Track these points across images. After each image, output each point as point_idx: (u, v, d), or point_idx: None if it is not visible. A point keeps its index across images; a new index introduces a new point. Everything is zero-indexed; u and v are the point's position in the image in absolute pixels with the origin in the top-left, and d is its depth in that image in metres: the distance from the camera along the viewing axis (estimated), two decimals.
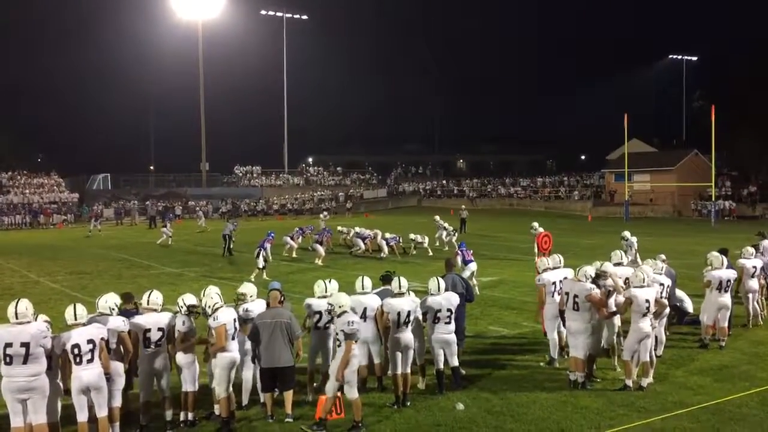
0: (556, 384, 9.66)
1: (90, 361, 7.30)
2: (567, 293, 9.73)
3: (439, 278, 9.51)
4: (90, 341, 7.32)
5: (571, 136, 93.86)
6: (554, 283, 10.60)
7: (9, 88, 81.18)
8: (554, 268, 11.02)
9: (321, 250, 24.36)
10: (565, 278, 10.73)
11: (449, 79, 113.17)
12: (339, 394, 8.49)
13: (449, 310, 9.26)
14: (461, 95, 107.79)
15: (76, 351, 7.27)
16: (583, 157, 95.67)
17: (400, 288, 9.15)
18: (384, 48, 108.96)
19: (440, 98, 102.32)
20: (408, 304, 9.01)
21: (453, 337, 9.36)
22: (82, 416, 7.35)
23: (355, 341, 7.99)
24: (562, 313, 10.16)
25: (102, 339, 7.43)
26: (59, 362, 7.50)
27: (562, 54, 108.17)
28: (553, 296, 10.57)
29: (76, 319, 7.46)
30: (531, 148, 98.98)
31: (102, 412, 7.39)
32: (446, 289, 9.54)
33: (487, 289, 17.57)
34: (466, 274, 16.64)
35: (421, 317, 9.45)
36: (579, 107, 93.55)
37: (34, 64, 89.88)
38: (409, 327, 8.99)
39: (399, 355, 8.90)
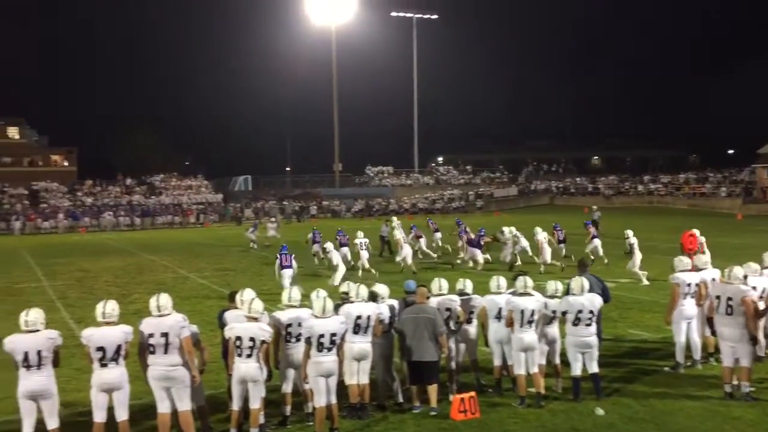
0: (703, 392, 9.11)
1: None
2: (718, 297, 9.06)
3: (583, 278, 9.24)
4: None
5: (716, 129, 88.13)
6: (689, 284, 10.03)
7: (165, 99, 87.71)
8: (699, 269, 10.45)
9: (479, 256, 21.77)
10: (713, 280, 10.14)
11: (582, 73, 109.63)
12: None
13: (591, 312, 8.94)
14: (595, 90, 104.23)
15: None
16: (730, 152, 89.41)
17: (526, 287, 8.98)
18: (514, 44, 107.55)
19: (573, 93, 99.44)
20: (532, 303, 8.82)
21: (594, 340, 9.00)
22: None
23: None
24: (710, 321, 9.50)
25: (126, 343, 7.42)
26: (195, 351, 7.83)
27: (709, 43, 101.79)
28: (685, 298, 10.01)
29: (104, 318, 7.42)
30: (669, 142, 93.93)
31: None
32: (590, 290, 9.29)
33: (625, 291, 16.89)
34: (286, 281, 16.61)
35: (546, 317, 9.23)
36: (725, 97, 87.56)
37: (183, 76, 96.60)
38: (533, 327, 8.80)
39: (522, 355, 8.77)
